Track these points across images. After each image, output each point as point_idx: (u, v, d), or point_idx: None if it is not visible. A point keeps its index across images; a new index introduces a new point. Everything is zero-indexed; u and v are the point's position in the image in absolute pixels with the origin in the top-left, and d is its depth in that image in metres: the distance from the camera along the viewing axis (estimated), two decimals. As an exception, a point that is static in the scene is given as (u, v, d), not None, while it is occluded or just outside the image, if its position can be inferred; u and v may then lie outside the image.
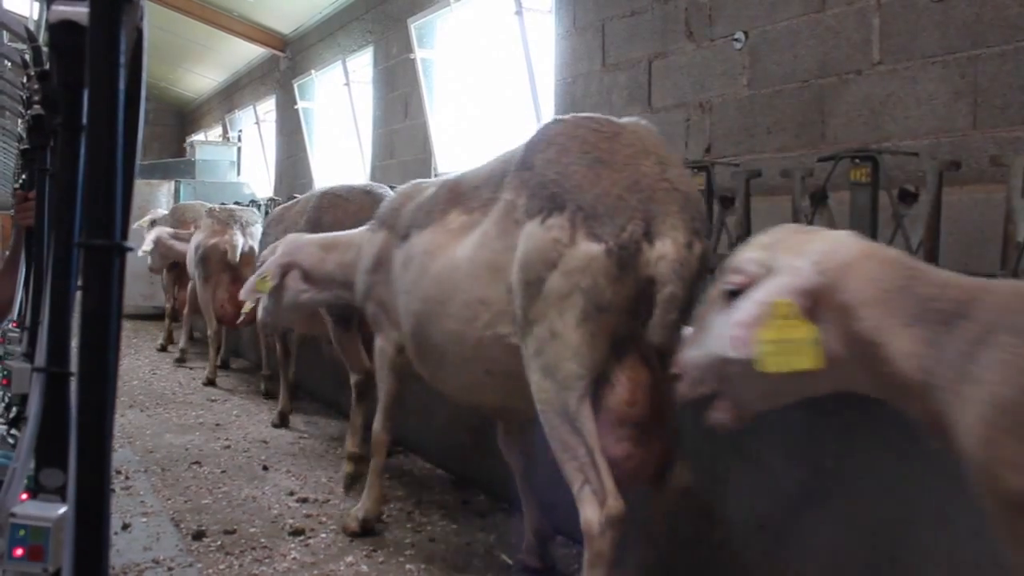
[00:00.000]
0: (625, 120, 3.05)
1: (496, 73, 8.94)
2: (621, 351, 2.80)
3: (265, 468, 5.46)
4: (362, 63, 11.59)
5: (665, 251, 2.67)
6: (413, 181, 4.32)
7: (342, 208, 5.51)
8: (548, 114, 7.58)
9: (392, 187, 5.35)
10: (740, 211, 4.43)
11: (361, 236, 4.25)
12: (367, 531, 4.27)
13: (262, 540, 4.19)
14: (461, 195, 3.45)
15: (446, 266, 3.32)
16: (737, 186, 4.49)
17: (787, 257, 2.04)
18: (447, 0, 9.10)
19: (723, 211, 4.52)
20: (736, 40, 5.52)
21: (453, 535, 4.30)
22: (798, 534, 3.02)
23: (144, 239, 9.64)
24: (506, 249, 2.98)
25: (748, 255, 2.11)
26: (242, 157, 16.82)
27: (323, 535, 4.27)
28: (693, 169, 4.65)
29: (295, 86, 13.71)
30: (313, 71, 13.06)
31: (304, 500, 4.79)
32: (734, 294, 2.09)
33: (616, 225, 2.69)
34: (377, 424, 4.24)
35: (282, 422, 6.74)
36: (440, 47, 9.96)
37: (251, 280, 4.52)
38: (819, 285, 1.97)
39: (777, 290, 1.97)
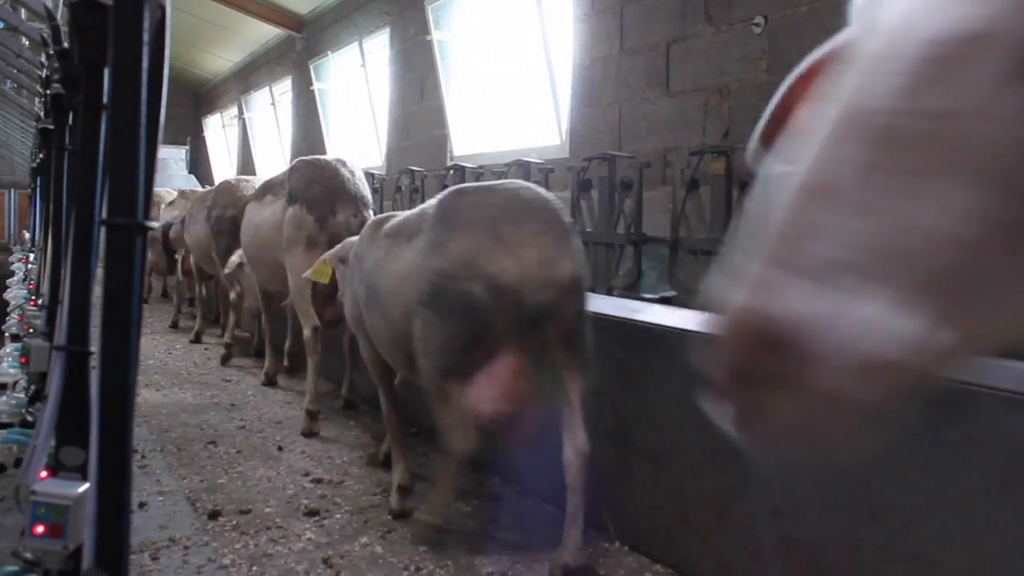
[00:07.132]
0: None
1: (513, 55, 8.89)
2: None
3: (280, 448, 5.48)
4: (378, 44, 11.55)
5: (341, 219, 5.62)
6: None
7: None
8: (565, 97, 7.54)
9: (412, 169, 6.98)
10: (760, 196, 4.41)
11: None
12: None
13: (277, 520, 4.21)
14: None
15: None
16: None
17: None
18: (464, -19, 9.06)
19: (743, 195, 4.49)
20: (755, 24, 5.47)
21: (467, 518, 4.31)
22: (813, 520, 3.01)
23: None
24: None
25: None
26: (191, 156, 21.09)
27: (338, 515, 4.29)
28: (713, 154, 4.62)
29: (311, 67, 13.69)
30: (329, 52, 13.03)
31: (319, 481, 4.82)
32: None
33: None
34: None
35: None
36: (457, 29, 9.92)
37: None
38: None
39: None
